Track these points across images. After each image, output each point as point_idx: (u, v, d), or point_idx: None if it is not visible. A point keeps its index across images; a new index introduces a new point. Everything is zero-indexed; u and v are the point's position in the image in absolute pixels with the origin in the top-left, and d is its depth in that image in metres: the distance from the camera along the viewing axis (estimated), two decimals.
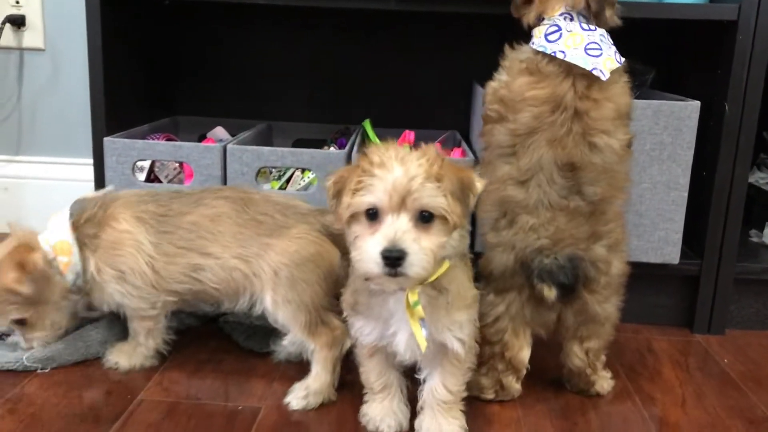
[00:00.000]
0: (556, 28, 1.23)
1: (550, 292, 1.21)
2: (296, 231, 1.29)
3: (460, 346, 1.11)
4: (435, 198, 1.00)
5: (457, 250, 1.09)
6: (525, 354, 1.27)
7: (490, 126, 1.29)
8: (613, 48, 1.24)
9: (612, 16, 1.26)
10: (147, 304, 1.32)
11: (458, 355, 1.12)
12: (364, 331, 1.14)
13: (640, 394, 1.36)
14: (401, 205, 0.99)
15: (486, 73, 1.79)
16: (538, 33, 1.25)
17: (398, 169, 1.00)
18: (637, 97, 1.67)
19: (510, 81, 1.26)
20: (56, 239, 1.31)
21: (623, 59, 1.23)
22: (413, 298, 1.05)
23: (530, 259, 1.22)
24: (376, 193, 1.00)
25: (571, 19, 1.24)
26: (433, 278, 1.05)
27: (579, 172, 1.21)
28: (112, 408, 1.23)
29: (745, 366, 1.49)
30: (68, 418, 1.19)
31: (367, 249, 0.99)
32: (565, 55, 1.20)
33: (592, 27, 1.24)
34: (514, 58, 1.27)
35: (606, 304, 1.27)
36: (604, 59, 1.21)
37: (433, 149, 1.04)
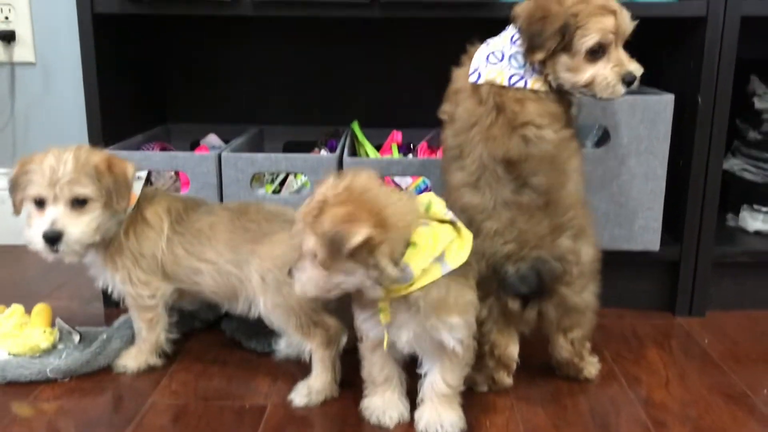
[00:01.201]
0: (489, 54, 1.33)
1: (514, 304, 1.27)
2: (279, 237, 1.35)
3: (458, 345, 1.17)
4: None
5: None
6: (513, 350, 1.33)
7: (443, 131, 1.36)
8: (513, 69, 1.29)
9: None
10: (148, 291, 1.39)
11: (456, 352, 1.18)
12: (368, 325, 1.20)
13: (626, 377, 1.43)
14: None
15: None
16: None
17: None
18: None
19: (458, 75, 1.34)
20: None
21: (527, 85, 1.28)
22: (382, 304, 1.14)
23: (500, 265, 1.27)
24: None
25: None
26: (403, 293, 1.11)
27: (518, 165, 1.25)
28: (124, 412, 1.28)
29: (724, 345, 1.57)
30: (83, 425, 1.24)
31: None
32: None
33: (490, 40, 1.34)
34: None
35: (584, 293, 1.32)
36: (494, 69, 1.29)
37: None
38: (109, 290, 1.43)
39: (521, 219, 1.26)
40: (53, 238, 1.28)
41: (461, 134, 1.30)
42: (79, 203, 1.31)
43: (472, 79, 1.30)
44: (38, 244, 1.30)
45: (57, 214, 1.29)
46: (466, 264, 1.16)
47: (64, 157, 1.31)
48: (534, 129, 1.26)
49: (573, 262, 1.28)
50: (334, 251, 1.07)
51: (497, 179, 1.26)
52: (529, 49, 1.26)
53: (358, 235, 1.05)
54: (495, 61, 1.30)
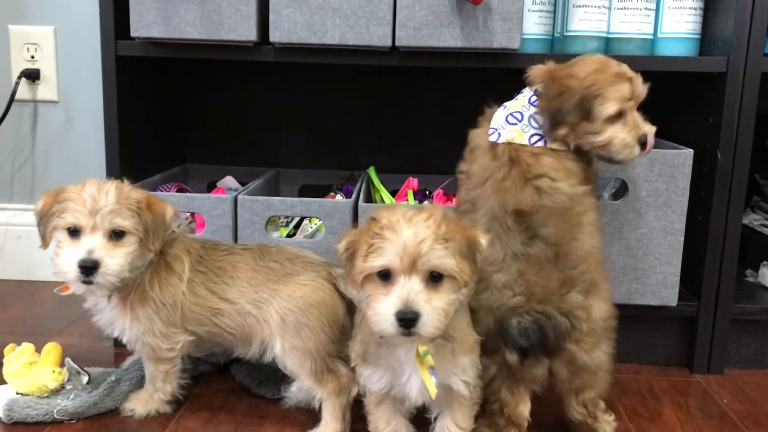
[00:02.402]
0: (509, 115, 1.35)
1: (512, 357, 1.24)
2: (302, 278, 1.34)
3: (465, 388, 1.16)
4: (444, 259, 1.05)
5: (463, 303, 1.14)
6: (523, 409, 1.30)
7: (460, 190, 1.37)
8: (533, 129, 1.31)
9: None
10: (168, 344, 1.36)
11: (464, 395, 1.17)
12: (373, 379, 1.18)
13: None
14: (412, 266, 1.04)
15: None
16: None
17: (407, 231, 1.05)
18: None
19: (474, 134, 1.36)
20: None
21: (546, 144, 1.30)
22: (423, 348, 1.10)
23: (505, 318, 1.25)
24: (387, 256, 1.05)
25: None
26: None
27: (529, 216, 1.25)
28: None
29: (743, 405, 1.53)
30: None
31: (382, 310, 1.04)
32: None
33: (509, 103, 1.36)
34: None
35: (595, 352, 1.27)
36: (507, 129, 1.31)
37: (439, 210, 1.10)
38: (123, 340, 1.39)
39: (530, 271, 1.25)
40: (90, 268, 1.24)
41: (475, 189, 1.30)
42: (116, 235, 1.28)
43: (492, 138, 1.31)
44: (71, 273, 1.25)
45: (95, 243, 1.26)
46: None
47: (106, 188, 1.29)
48: (548, 181, 1.26)
49: (582, 319, 1.25)
50: (472, 261, 1.08)
51: (507, 231, 1.26)
52: (553, 126, 1.28)
53: (483, 239, 1.10)
54: (514, 122, 1.31)
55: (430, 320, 1.03)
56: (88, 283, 1.26)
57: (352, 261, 1.09)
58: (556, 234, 1.25)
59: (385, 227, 1.07)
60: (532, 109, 1.32)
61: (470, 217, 1.30)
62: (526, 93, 1.35)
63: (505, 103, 1.36)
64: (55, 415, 1.35)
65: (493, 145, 1.31)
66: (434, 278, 1.06)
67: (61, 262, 1.27)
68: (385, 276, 1.06)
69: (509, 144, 1.29)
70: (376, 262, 1.06)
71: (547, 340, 1.23)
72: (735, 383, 1.64)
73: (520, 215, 1.25)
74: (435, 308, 1.04)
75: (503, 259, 1.26)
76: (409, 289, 1.04)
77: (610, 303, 1.31)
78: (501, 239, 1.26)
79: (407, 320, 1.02)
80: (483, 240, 1.11)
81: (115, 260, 1.26)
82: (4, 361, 1.43)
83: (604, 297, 1.30)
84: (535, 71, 1.33)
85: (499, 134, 1.31)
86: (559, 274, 1.25)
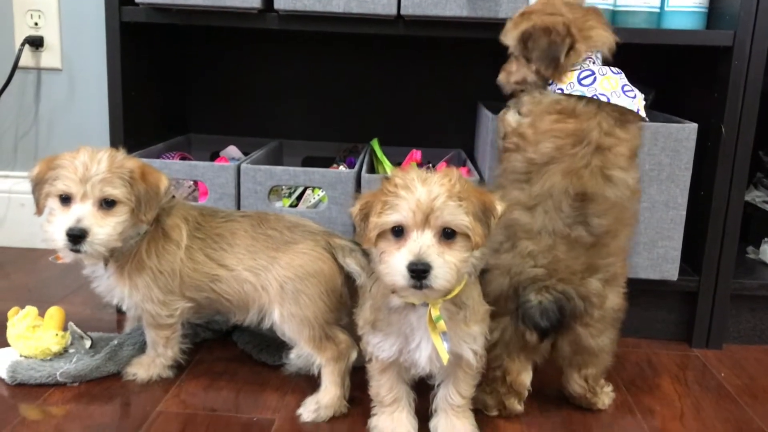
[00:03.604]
0: (589, 72, 1.28)
1: (531, 336, 1.26)
2: (301, 246, 1.35)
3: (474, 357, 1.17)
4: (457, 215, 1.06)
5: (477, 268, 1.15)
6: (525, 377, 1.31)
7: (507, 154, 1.34)
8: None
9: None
10: (167, 311, 1.37)
11: (471, 364, 1.18)
12: (383, 347, 1.19)
13: (639, 408, 1.40)
14: (425, 222, 1.05)
15: (490, 94, 1.84)
16: (569, 77, 1.29)
17: (421, 189, 1.06)
18: None
19: (535, 121, 1.30)
20: None
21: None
22: (435, 313, 1.11)
23: (523, 287, 1.26)
24: (401, 212, 1.06)
25: (594, 62, 1.30)
26: (453, 294, 1.11)
27: (589, 204, 1.25)
28: (131, 420, 1.28)
29: (741, 380, 1.54)
30: (91, 429, 1.24)
31: (394, 263, 1.05)
32: (608, 99, 1.26)
33: (615, 70, 1.30)
34: (538, 101, 1.31)
35: (600, 338, 1.29)
36: (639, 100, 1.28)
37: (455, 171, 1.10)
38: (123, 307, 1.40)
39: (561, 249, 1.25)
40: (77, 236, 1.24)
41: (536, 166, 1.27)
42: (107, 204, 1.27)
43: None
44: (59, 241, 1.25)
45: (84, 212, 1.25)
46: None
47: (99, 156, 1.28)
48: (620, 171, 1.27)
49: (596, 305, 1.27)
50: (486, 225, 1.08)
51: (557, 210, 1.25)
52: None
53: (500, 205, 1.10)
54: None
55: (441, 273, 1.04)
56: (75, 251, 1.26)
57: (366, 220, 1.10)
58: (607, 227, 1.26)
59: (399, 186, 1.08)
60: (622, 74, 1.30)
61: (521, 186, 1.29)
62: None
63: (592, 92, 1.29)
64: (58, 378, 1.36)
65: (583, 131, 1.26)
66: (447, 235, 1.07)
67: (50, 229, 1.27)
68: (399, 232, 1.07)
69: (601, 127, 1.26)
70: (390, 218, 1.07)
71: (564, 320, 1.25)
72: (733, 358, 1.65)
73: (582, 200, 1.25)
74: (447, 262, 1.05)
75: (539, 231, 1.26)
76: (421, 242, 1.05)
77: (623, 298, 1.33)
78: (547, 215, 1.26)
79: (419, 272, 1.03)
80: (499, 206, 1.11)
81: (103, 229, 1.26)
82: (8, 324, 1.44)
83: (619, 291, 1.32)
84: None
85: (641, 111, 1.28)
86: (587, 259, 1.26)
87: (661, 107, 1.81)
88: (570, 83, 1.28)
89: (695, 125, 1.55)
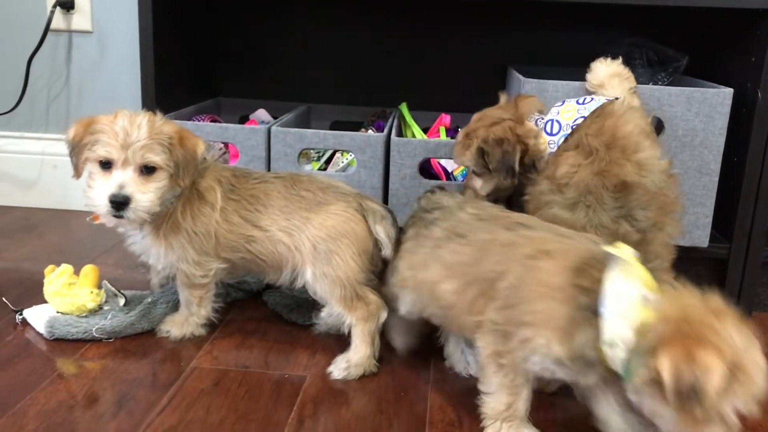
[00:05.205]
0: (548, 121, 1.35)
1: None
2: (334, 207, 1.36)
3: None
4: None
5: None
6: None
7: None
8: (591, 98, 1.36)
9: None
10: (201, 271, 1.39)
11: None
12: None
13: None
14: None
15: (521, 58, 1.83)
16: (542, 141, 1.34)
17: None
18: (670, 84, 1.71)
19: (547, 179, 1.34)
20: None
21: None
22: None
23: None
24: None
25: (541, 117, 1.37)
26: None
27: (630, 193, 1.25)
28: (167, 375, 1.31)
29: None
30: (127, 383, 1.27)
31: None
32: (584, 117, 1.31)
33: (557, 104, 1.38)
34: (538, 192, 1.34)
35: None
36: (597, 96, 1.35)
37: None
38: (158, 267, 1.42)
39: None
40: (120, 203, 1.26)
41: (561, 183, 1.29)
42: (147, 170, 1.28)
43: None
44: (103, 207, 1.27)
45: (126, 178, 1.27)
46: None
47: (138, 121, 1.28)
48: (643, 153, 1.28)
49: None
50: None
51: (601, 202, 1.26)
52: None
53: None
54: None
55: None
56: (118, 217, 1.28)
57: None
58: (654, 218, 1.26)
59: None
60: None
61: (551, 198, 1.30)
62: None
63: (562, 132, 1.35)
64: (94, 333, 1.40)
65: (582, 145, 1.30)
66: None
67: (92, 195, 1.29)
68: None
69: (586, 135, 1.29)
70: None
71: None
72: (762, 326, 1.63)
73: (622, 189, 1.25)
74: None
75: (583, 227, 1.26)
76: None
77: None
78: (591, 208, 1.26)
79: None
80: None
81: (145, 196, 1.28)
82: (45, 281, 1.47)
83: None
84: None
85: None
86: None
87: (695, 72, 1.78)
88: (549, 144, 1.33)
89: (731, 90, 1.52)
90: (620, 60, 1.44)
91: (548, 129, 1.34)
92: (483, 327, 1.11)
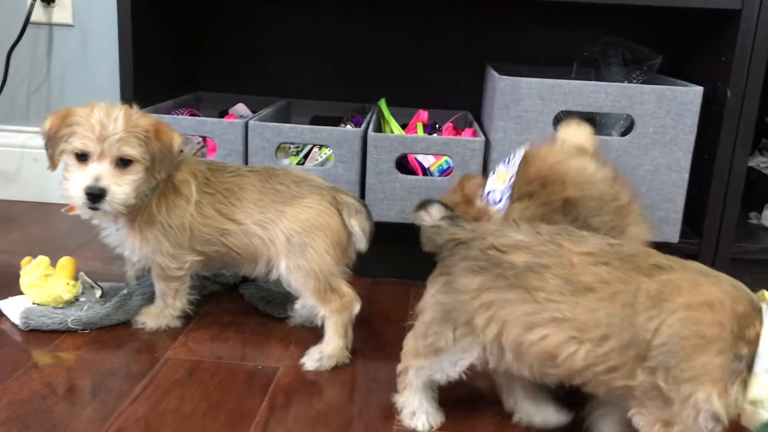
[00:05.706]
0: (489, 191, 1.36)
1: None
2: (308, 201, 1.37)
3: None
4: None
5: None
6: None
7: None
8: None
9: None
10: (176, 264, 1.40)
11: None
12: None
13: None
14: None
15: (499, 56, 1.85)
16: (495, 218, 1.34)
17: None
18: (644, 82, 1.74)
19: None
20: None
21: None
22: None
23: None
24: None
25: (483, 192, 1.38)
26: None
27: (577, 206, 1.26)
28: (141, 365, 1.32)
29: None
30: (101, 373, 1.28)
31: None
32: (515, 175, 1.33)
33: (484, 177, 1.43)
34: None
35: None
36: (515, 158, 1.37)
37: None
38: (133, 259, 1.44)
39: None
40: (96, 195, 1.27)
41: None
42: (123, 163, 1.29)
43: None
44: (78, 199, 1.28)
45: (101, 170, 1.28)
46: None
47: (115, 114, 1.29)
48: (575, 161, 1.29)
49: None
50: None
51: (555, 222, 1.25)
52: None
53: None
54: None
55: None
56: (94, 209, 1.29)
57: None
58: (612, 222, 1.27)
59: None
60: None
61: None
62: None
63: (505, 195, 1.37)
64: (69, 324, 1.41)
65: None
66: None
67: (68, 186, 1.30)
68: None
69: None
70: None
71: None
72: None
73: (567, 205, 1.27)
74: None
75: None
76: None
77: None
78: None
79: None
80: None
81: (121, 188, 1.29)
82: (21, 272, 1.48)
83: None
84: None
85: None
86: None
87: (668, 71, 1.81)
88: (499, 212, 1.33)
89: (700, 88, 1.55)
90: (590, 131, 1.41)
91: (492, 200, 1.36)
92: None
